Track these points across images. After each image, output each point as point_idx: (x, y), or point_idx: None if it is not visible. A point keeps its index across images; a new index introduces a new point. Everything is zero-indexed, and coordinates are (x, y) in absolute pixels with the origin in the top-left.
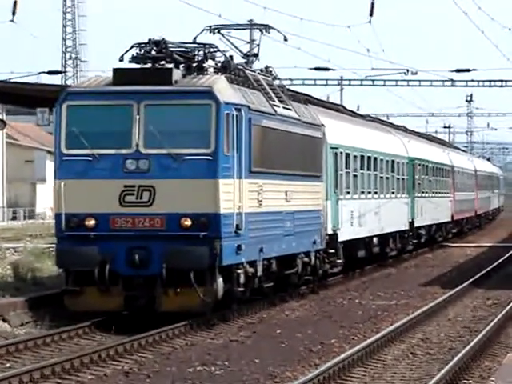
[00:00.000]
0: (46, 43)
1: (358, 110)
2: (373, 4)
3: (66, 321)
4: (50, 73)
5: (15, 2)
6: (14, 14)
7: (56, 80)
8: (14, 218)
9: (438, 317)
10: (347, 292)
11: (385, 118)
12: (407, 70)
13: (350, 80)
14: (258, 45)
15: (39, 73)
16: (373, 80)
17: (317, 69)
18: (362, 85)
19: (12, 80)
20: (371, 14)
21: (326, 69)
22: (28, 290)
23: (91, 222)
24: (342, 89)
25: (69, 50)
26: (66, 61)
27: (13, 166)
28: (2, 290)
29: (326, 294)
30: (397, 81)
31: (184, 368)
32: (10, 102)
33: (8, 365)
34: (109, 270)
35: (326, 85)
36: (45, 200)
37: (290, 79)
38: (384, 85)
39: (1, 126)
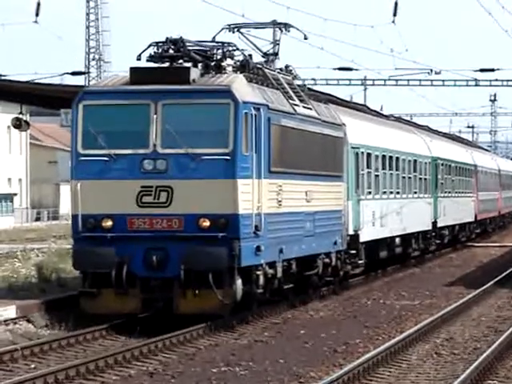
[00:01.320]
0: (70, 44)
1: (381, 109)
2: (396, 4)
3: (89, 321)
4: (73, 74)
5: (38, 3)
6: (37, 15)
7: (80, 81)
8: (37, 219)
9: (463, 317)
10: (371, 292)
11: (408, 118)
12: (431, 70)
13: (373, 80)
14: (278, 44)
15: (63, 74)
16: (396, 80)
17: (340, 69)
18: (385, 85)
19: (36, 81)
20: (395, 14)
21: (350, 69)
22: (52, 290)
23: (108, 223)
24: (365, 89)
25: (92, 50)
26: (89, 62)
27: (36, 166)
28: (27, 291)
29: (349, 294)
30: (420, 80)
31: (208, 368)
32: (33, 103)
33: (33, 366)
34: (126, 272)
35: (350, 85)
36: (69, 201)
37: (314, 79)
38: (408, 85)
39: (24, 127)
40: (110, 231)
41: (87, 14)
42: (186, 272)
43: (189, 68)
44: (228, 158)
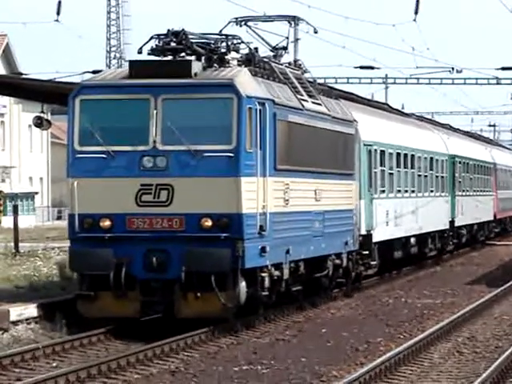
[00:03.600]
0: (91, 43)
1: (402, 108)
2: (418, 2)
3: (111, 320)
4: (94, 72)
5: (59, 2)
6: (58, 13)
7: None
8: (59, 218)
9: (484, 315)
10: (392, 291)
11: (430, 117)
12: (452, 68)
13: (394, 78)
14: (287, 37)
15: (83, 72)
16: (417, 78)
17: (362, 67)
18: (406, 83)
19: (57, 79)
20: (416, 12)
21: (371, 67)
22: (73, 289)
23: (106, 223)
24: (386, 87)
25: (113, 49)
26: (110, 60)
27: (57, 165)
28: (48, 290)
29: (371, 292)
30: (442, 79)
31: (230, 367)
32: (54, 102)
33: (54, 364)
34: (125, 274)
35: (371, 83)
36: None
37: (335, 78)
38: (429, 83)
39: (46, 126)
40: (108, 231)
41: (108, 13)
42: (187, 274)
43: (190, 61)
44: (231, 154)
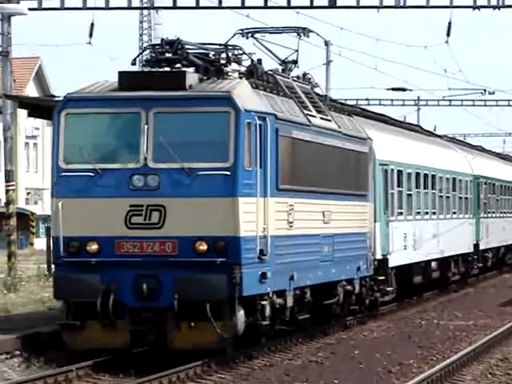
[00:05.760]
0: (123, 64)
1: (434, 130)
2: (450, 24)
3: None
4: None
5: (92, 25)
6: (90, 36)
7: None
8: None
9: None
10: (425, 312)
11: (462, 139)
12: (484, 90)
13: (426, 100)
14: (297, 50)
15: None
16: (450, 100)
17: (394, 89)
18: (438, 105)
19: None
20: (448, 34)
21: (403, 89)
22: None
23: (93, 247)
24: (418, 109)
25: None
26: None
27: None
28: None
29: (403, 314)
30: (474, 101)
31: None
32: None
33: None
34: (113, 302)
35: (403, 105)
36: None
37: (367, 99)
38: (461, 105)
39: None
40: (95, 256)
41: (140, 35)
42: (180, 302)
43: (184, 72)
44: (228, 173)
